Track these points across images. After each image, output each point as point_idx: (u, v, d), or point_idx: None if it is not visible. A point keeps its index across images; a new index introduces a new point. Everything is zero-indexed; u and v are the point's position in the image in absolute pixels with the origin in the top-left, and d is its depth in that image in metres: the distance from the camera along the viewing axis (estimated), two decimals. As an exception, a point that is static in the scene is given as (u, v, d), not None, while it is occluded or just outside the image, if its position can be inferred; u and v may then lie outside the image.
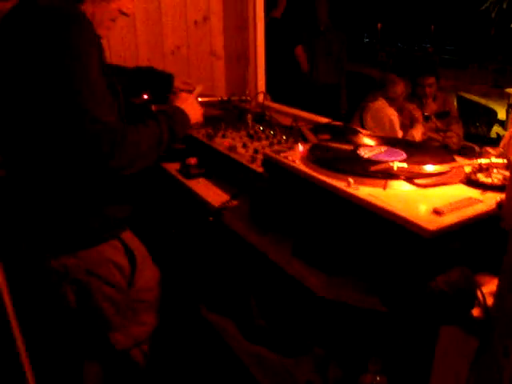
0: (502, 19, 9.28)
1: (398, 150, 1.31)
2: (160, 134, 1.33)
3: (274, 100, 3.27)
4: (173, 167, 1.83)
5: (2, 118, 1.27)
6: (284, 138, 1.79)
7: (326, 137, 1.96)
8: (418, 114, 3.63)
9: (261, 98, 2.16)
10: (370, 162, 1.22)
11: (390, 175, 1.12)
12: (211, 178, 1.74)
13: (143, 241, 1.56)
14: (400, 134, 3.47)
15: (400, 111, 3.99)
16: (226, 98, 2.12)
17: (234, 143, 1.73)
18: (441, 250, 0.96)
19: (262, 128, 1.92)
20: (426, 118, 3.96)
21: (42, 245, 1.36)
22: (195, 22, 2.59)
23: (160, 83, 2.23)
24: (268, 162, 1.35)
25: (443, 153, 1.32)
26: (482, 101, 7.74)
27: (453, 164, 1.16)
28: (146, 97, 2.23)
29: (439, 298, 0.90)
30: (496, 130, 7.65)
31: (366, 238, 1.08)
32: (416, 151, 1.33)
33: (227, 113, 2.01)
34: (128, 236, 1.49)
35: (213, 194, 1.62)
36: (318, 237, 1.20)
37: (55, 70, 1.13)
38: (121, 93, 1.36)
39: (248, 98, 2.17)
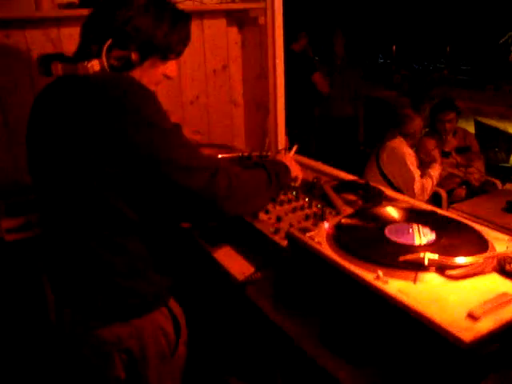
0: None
1: (425, 228, 1.28)
2: (268, 176, 1.38)
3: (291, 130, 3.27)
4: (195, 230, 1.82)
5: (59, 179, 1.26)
6: (307, 200, 1.77)
7: (350, 197, 1.94)
8: (436, 153, 3.59)
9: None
10: (399, 246, 1.19)
11: (420, 266, 1.09)
12: (234, 243, 1.72)
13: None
14: (417, 173, 3.43)
15: (418, 147, 3.96)
16: (246, 154, 2.11)
17: (255, 208, 1.71)
18: (476, 357, 0.92)
19: (283, 187, 1.90)
20: (447, 154, 3.92)
21: (93, 313, 1.33)
22: (214, 71, 2.60)
23: None
24: (293, 240, 1.33)
25: (473, 232, 1.29)
26: (501, 125, 7.65)
27: (486, 254, 1.12)
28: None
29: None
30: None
31: (396, 333, 1.05)
32: (445, 228, 1.30)
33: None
34: (173, 303, 1.48)
35: (236, 264, 1.60)
36: (345, 326, 1.17)
37: (145, 147, 1.15)
38: None
39: (269, 153, 2.16)
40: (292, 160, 1.63)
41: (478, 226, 1.57)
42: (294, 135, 4.20)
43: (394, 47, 13.02)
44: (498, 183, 3.91)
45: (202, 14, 2.45)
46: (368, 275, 1.10)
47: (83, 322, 1.35)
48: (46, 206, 1.36)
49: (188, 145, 1.23)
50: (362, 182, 1.97)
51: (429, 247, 1.18)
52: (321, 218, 1.65)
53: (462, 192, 3.87)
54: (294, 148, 1.74)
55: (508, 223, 2.89)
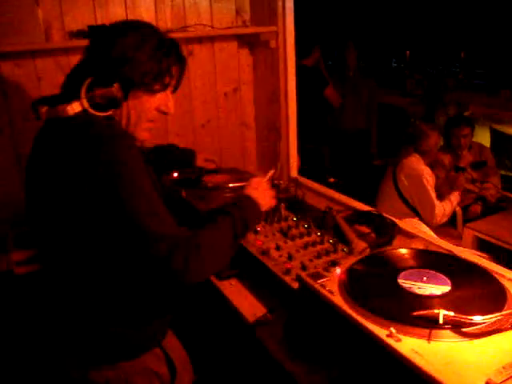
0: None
1: (441, 276, 1.25)
2: (234, 233, 1.29)
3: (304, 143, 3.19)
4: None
5: (48, 220, 1.25)
6: (319, 234, 1.74)
7: (363, 229, 1.91)
8: (460, 181, 3.51)
9: (293, 189, 2.11)
10: (413, 298, 1.16)
11: (435, 322, 1.06)
12: (244, 280, 1.69)
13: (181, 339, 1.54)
14: (434, 195, 3.37)
15: (434, 163, 3.90)
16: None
17: (266, 243, 1.69)
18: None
19: (295, 219, 1.87)
20: (462, 170, 3.86)
21: (82, 356, 1.32)
22: (225, 94, 2.58)
23: (182, 160, 2.20)
24: (304, 286, 1.30)
25: (492, 280, 1.25)
26: (517, 133, 7.54)
27: (505, 312, 1.08)
28: (175, 175, 2.23)
29: None
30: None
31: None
32: (462, 274, 1.26)
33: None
34: (169, 341, 1.46)
35: (246, 302, 1.57)
36: (355, 380, 1.14)
37: (109, 197, 1.11)
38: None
39: (281, 181, 2.13)
40: (266, 189, 1.51)
41: (496, 267, 1.55)
42: (309, 150, 4.20)
43: (408, 52, 12.90)
44: (515, 199, 3.83)
45: (213, 39, 2.43)
46: (380, 331, 1.07)
47: (74, 364, 1.33)
48: (39, 245, 1.34)
49: (155, 210, 1.16)
50: (375, 213, 1.93)
51: (444, 299, 1.15)
52: (334, 251, 1.62)
53: (477, 208, 3.80)
54: (270, 173, 1.63)
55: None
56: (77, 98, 1.18)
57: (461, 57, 12.97)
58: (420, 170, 3.36)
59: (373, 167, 4.67)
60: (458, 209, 3.75)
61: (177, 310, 1.47)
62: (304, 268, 1.52)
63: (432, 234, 2.94)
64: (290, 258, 1.59)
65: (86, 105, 1.19)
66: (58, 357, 1.37)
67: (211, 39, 2.43)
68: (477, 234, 3.11)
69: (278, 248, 1.66)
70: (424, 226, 3.13)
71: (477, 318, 1.05)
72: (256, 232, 1.78)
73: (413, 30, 13.75)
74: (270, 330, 1.44)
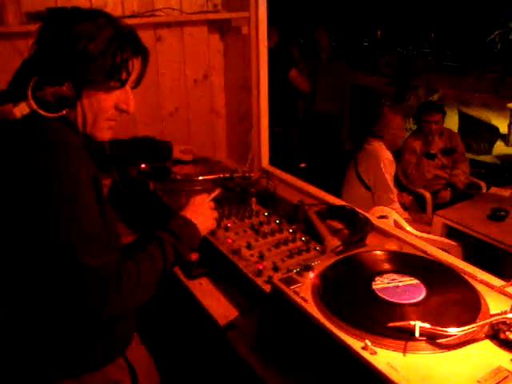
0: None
1: (415, 281, 1.22)
2: (164, 265, 1.21)
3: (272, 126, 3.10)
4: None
5: None
6: (291, 231, 1.71)
7: (336, 224, 1.88)
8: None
9: (264, 181, 2.06)
10: (387, 306, 1.14)
11: (410, 334, 1.04)
12: (215, 279, 1.64)
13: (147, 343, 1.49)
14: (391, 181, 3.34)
15: (403, 148, 3.90)
16: (228, 175, 2.02)
17: (237, 241, 1.64)
18: None
19: (266, 213, 1.83)
20: (432, 156, 3.88)
21: (43, 370, 1.24)
22: (195, 81, 2.50)
23: (159, 152, 2.15)
24: (277, 292, 1.26)
25: (466, 285, 1.24)
26: (484, 116, 7.68)
27: (480, 322, 1.07)
28: (143, 166, 2.15)
29: None
30: (498, 145, 7.60)
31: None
32: (437, 278, 1.25)
33: (230, 195, 1.92)
34: (133, 348, 1.39)
35: (217, 303, 1.53)
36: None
37: (40, 209, 1.02)
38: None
39: (252, 174, 2.08)
40: (207, 210, 1.41)
41: (468, 268, 1.54)
42: (277, 133, 4.14)
43: (380, 31, 12.91)
44: (483, 185, 3.89)
45: (182, 23, 2.33)
46: (355, 343, 1.04)
47: (33, 380, 1.25)
48: None
49: (87, 234, 1.06)
50: (348, 208, 1.90)
51: (419, 308, 1.13)
52: (306, 250, 1.59)
53: (446, 194, 3.84)
54: (215, 193, 1.52)
55: (492, 232, 2.88)
56: (24, 98, 1.07)
57: (431, 38, 13.07)
58: (380, 154, 3.31)
59: (344, 152, 4.64)
60: (428, 195, 3.78)
61: (142, 312, 1.42)
62: (276, 269, 1.48)
63: (404, 223, 2.96)
64: (261, 257, 1.55)
65: (34, 106, 1.08)
66: (17, 370, 1.29)
67: (180, 24, 2.33)
68: (446, 221, 3.13)
69: (249, 247, 1.61)
70: (394, 213, 3.13)
71: (452, 330, 1.03)
72: (226, 229, 1.73)
73: (384, 9, 13.74)
74: (241, 334, 1.40)
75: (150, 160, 2.11)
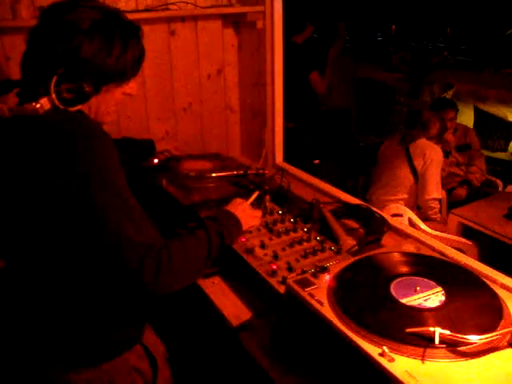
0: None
1: (434, 285, 1.19)
2: (209, 249, 1.25)
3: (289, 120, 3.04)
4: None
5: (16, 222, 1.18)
6: (305, 230, 1.68)
7: (352, 223, 1.85)
8: None
9: (278, 178, 2.03)
10: (406, 310, 1.10)
11: (429, 341, 1.01)
12: (227, 278, 1.62)
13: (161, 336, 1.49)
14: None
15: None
16: (242, 172, 2.00)
17: (251, 240, 1.62)
18: None
19: (280, 212, 1.80)
20: (446, 153, 3.82)
21: (61, 358, 1.26)
22: (208, 76, 2.46)
23: (141, 151, 2.11)
24: (292, 294, 1.24)
25: (486, 290, 1.20)
26: (500, 113, 7.55)
27: (503, 330, 1.03)
28: (156, 161, 2.15)
29: None
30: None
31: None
32: (456, 283, 1.21)
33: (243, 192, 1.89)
34: (148, 337, 1.41)
35: (229, 303, 1.51)
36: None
37: (84, 197, 1.05)
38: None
39: (266, 171, 2.05)
40: (248, 209, 1.49)
41: (488, 271, 1.50)
42: (290, 130, 4.09)
43: (394, 27, 12.73)
44: (499, 183, 3.82)
45: (196, 18, 2.30)
46: (373, 349, 1.01)
47: (53, 367, 1.27)
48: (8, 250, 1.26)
49: (131, 215, 1.10)
50: (364, 207, 1.87)
51: (438, 313, 1.10)
52: (321, 250, 1.56)
53: (462, 192, 3.78)
54: (254, 195, 1.60)
55: (508, 232, 2.83)
56: (44, 93, 1.09)
57: (447, 33, 12.87)
58: (439, 154, 3.29)
59: (359, 148, 4.59)
60: (442, 192, 3.71)
61: (155, 308, 1.41)
62: (290, 269, 1.45)
63: (419, 221, 2.91)
64: (275, 257, 1.52)
65: (57, 102, 1.10)
66: (36, 360, 1.30)
67: (194, 18, 2.29)
68: (462, 220, 3.08)
69: (262, 246, 1.58)
70: (408, 210, 3.08)
71: (472, 338, 1.00)
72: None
73: (399, 5, 13.55)
74: (254, 335, 1.38)
75: (135, 159, 2.09)
